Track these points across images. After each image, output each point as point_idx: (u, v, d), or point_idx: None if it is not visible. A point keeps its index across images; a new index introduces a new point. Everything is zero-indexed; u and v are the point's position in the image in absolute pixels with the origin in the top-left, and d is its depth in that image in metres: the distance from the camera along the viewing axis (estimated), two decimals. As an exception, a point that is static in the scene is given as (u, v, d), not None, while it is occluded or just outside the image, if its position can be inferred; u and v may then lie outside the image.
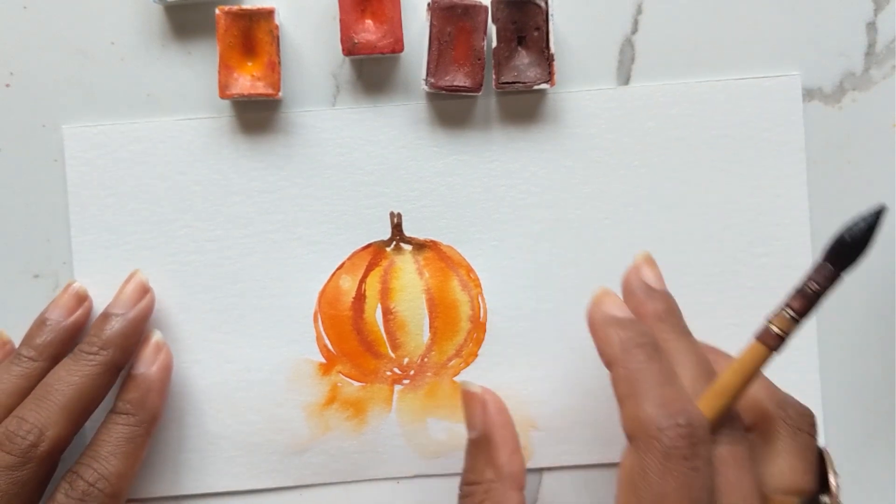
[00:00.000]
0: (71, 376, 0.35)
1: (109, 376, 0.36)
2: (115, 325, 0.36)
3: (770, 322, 0.30)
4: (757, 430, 0.32)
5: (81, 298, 0.38)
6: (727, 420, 0.30)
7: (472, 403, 0.36)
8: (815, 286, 0.30)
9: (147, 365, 0.37)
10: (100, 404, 0.36)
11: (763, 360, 0.30)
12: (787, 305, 0.30)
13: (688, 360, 0.32)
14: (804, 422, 0.31)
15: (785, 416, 0.31)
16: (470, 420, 0.36)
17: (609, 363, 0.32)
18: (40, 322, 0.37)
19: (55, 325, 0.37)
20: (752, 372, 0.30)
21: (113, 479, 0.35)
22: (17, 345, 0.38)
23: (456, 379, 0.38)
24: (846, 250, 0.29)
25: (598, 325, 0.33)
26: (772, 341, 0.30)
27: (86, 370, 0.35)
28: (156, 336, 0.38)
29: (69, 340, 0.37)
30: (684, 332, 0.34)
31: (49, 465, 0.35)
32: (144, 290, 0.38)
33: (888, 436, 0.40)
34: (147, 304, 0.38)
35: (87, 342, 0.36)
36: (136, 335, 0.37)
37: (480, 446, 0.35)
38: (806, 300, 0.30)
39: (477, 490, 0.34)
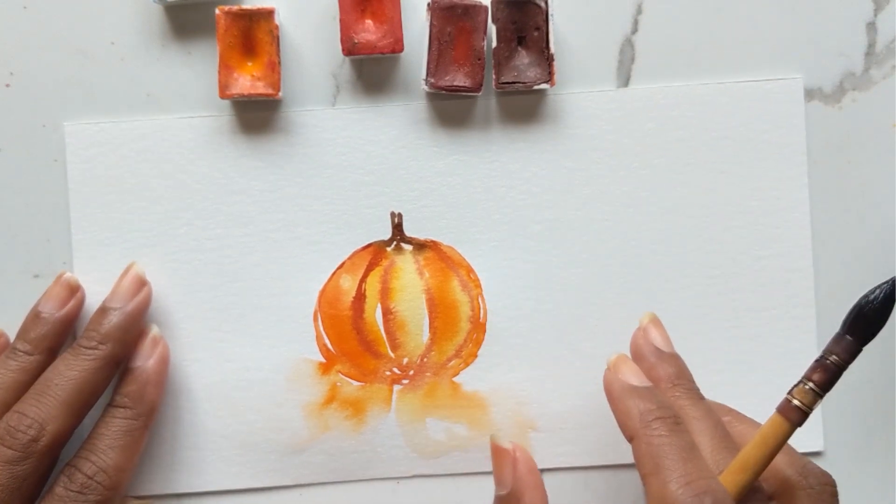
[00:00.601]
0: (70, 371, 0.35)
1: (109, 370, 0.36)
2: (113, 319, 0.36)
3: (791, 395, 0.30)
4: (778, 500, 0.32)
5: (73, 289, 0.38)
6: (750, 493, 0.31)
7: (503, 460, 0.36)
8: (835, 359, 0.30)
9: (144, 358, 0.37)
10: (99, 398, 0.36)
11: (785, 434, 0.30)
12: (808, 378, 0.30)
13: (706, 427, 0.33)
14: (826, 491, 0.32)
15: (807, 484, 0.32)
16: (499, 477, 0.36)
17: (630, 436, 0.33)
18: (34, 315, 0.37)
19: (49, 318, 0.37)
20: (775, 446, 0.30)
21: (111, 471, 0.35)
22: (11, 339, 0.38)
23: (491, 437, 0.37)
24: (865, 323, 0.29)
25: (617, 396, 0.34)
26: (794, 415, 0.30)
27: (85, 364, 0.35)
28: (153, 330, 0.38)
29: (64, 332, 0.38)
30: (699, 397, 0.35)
31: (50, 459, 0.35)
32: (141, 283, 0.38)
33: (888, 436, 0.40)
34: (144, 297, 0.38)
35: (86, 336, 0.36)
36: (134, 328, 0.37)
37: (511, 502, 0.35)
38: (827, 373, 0.30)
39: None
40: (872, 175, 0.40)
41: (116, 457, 0.35)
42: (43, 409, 0.34)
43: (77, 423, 0.36)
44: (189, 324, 0.40)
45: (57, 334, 0.37)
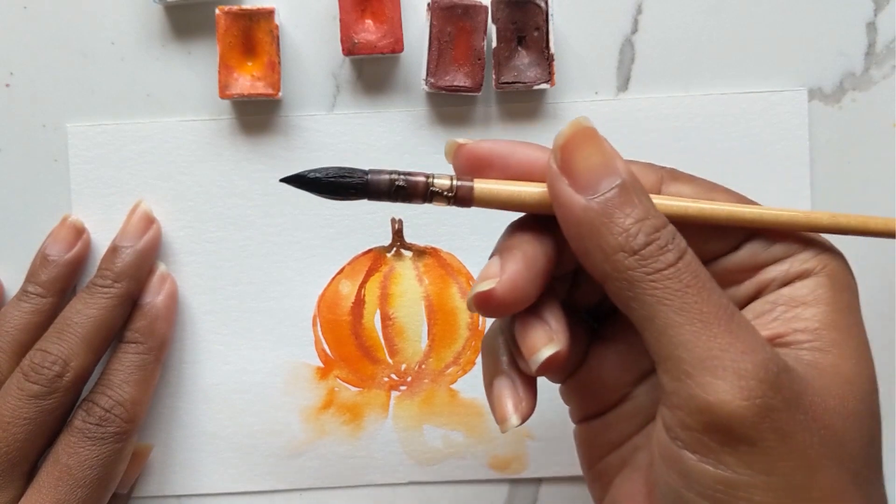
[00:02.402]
0: (88, 309, 0.36)
1: (124, 307, 0.37)
2: (125, 258, 0.37)
3: None
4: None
5: (79, 231, 0.39)
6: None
7: (604, 146, 0.26)
8: None
9: (153, 294, 0.38)
10: (116, 335, 0.37)
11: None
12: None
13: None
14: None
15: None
16: (605, 167, 0.26)
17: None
18: (42, 258, 0.38)
19: (58, 260, 0.38)
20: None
21: (128, 405, 0.36)
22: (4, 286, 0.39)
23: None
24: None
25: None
26: None
27: (101, 302, 0.36)
28: (160, 268, 0.38)
29: (73, 274, 0.38)
30: None
31: (73, 394, 0.36)
32: (150, 221, 0.39)
33: (888, 436, 0.39)
34: (154, 234, 0.38)
35: (100, 275, 0.37)
36: (146, 265, 0.38)
37: (632, 191, 0.26)
38: None
39: (670, 227, 0.26)
40: (872, 175, 0.39)
41: (132, 390, 0.36)
42: (65, 347, 0.35)
43: (97, 360, 0.37)
44: (188, 326, 0.39)
45: (67, 276, 0.38)
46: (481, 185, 0.27)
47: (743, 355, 0.23)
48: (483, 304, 0.26)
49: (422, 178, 0.27)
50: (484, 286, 0.26)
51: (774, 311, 0.27)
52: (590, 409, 0.30)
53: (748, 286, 0.28)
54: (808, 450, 0.23)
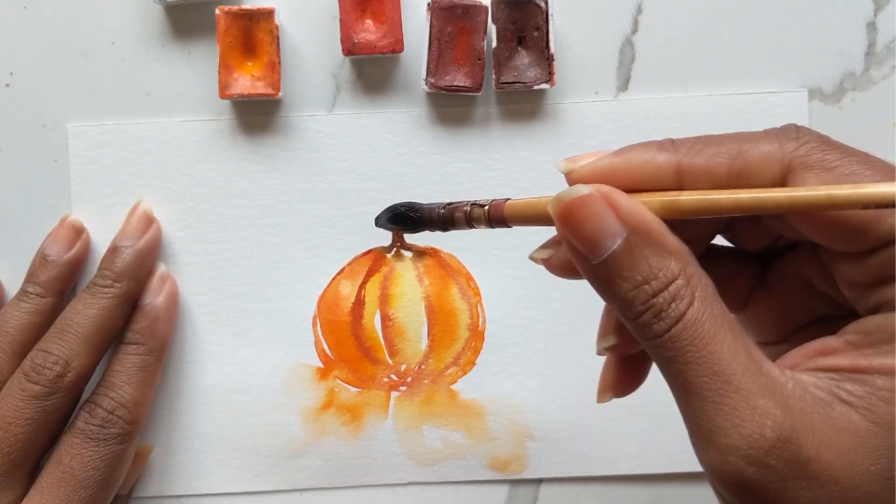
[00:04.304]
0: (89, 309, 0.36)
1: (124, 307, 0.37)
2: (125, 258, 0.37)
3: None
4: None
5: (78, 231, 0.39)
6: None
7: (595, 209, 0.24)
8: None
9: (154, 295, 0.38)
10: (117, 335, 0.37)
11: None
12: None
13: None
14: None
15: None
16: (603, 233, 0.24)
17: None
18: (41, 258, 0.38)
19: (57, 260, 0.38)
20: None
21: (130, 406, 0.36)
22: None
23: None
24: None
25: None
26: None
27: (102, 302, 0.36)
28: (160, 268, 0.38)
29: (72, 274, 0.38)
30: None
31: (74, 395, 0.36)
32: (150, 221, 0.39)
33: None
34: (154, 234, 0.38)
35: (100, 275, 0.37)
36: (146, 265, 0.38)
37: (637, 249, 0.24)
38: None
39: (675, 285, 0.24)
40: None
41: (134, 391, 0.36)
42: (66, 347, 0.35)
43: (98, 360, 0.37)
44: (188, 326, 0.39)
45: (66, 277, 0.38)
46: (511, 204, 0.27)
47: (733, 428, 0.23)
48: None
49: (463, 207, 0.28)
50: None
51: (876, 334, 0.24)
52: (759, 339, 0.29)
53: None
54: None
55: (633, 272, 0.24)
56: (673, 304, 0.23)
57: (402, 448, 0.39)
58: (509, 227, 0.27)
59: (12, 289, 0.39)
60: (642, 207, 0.24)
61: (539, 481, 0.39)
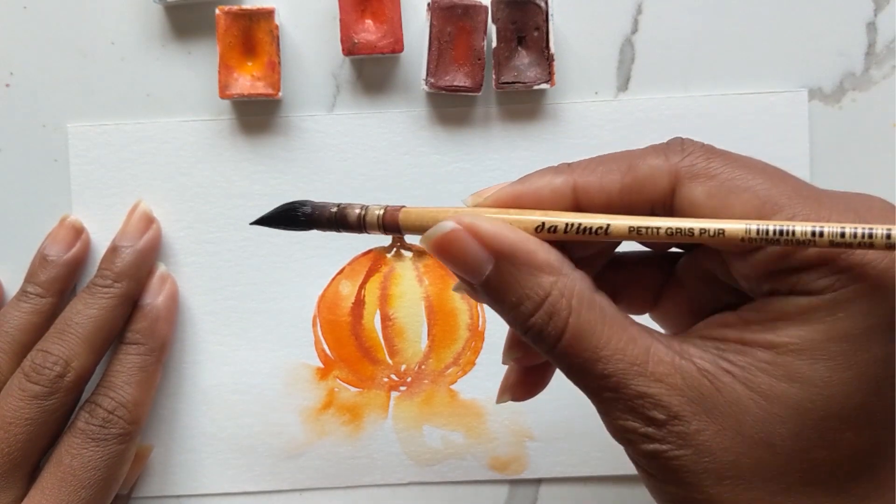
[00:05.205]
0: (88, 309, 0.36)
1: (125, 307, 0.37)
2: (125, 258, 0.37)
3: None
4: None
5: (78, 231, 0.39)
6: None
7: (461, 242, 0.25)
8: None
9: (154, 295, 0.38)
10: (117, 335, 0.37)
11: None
12: None
13: None
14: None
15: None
16: (473, 262, 0.25)
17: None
18: (41, 258, 0.38)
19: (57, 261, 0.38)
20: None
21: (130, 406, 0.36)
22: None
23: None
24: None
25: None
26: None
27: (102, 302, 0.36)
28: (160, 268, 0.38)
29: (72, 274, 0.38)
30: None
31: (75, 395, 0.36)
32: (150, 220, 0.39)
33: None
34: (154, 234, 0.38)
35: (100, 276, 0.37)
36: (146, 265, 0.38)
37: (506, 272, 0.25)
38: None
39: (548, 302, 0.25)
40: (872, 175, 0.39)
41: (134, 392, 0.36)
42: (66, 347, 0.35)
43: (98, 360, 0.37)
44: (188, 326, 0.39)
45: (66, 277, 0.38)
46: (406, 212, 0.27)
47: (628, 420, 0.25)
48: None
49: (356, 210, 0.27)
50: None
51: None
52: (672, 331, 0.31)
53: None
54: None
55: (507, 295, 0.25)
56: (551, 322, 0.25)
57: (402, 448, 0.39)
58: (402, 234, 0.28)
59: (12, 289, 0.39)
60: (509, 230, 0.25)
61: (539, 481, 0.40)
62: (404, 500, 0.40)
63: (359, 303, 0.39)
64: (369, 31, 0.38)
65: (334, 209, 0.27)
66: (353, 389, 0.39)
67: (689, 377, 0.25)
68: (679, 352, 0.25)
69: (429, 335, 0.39)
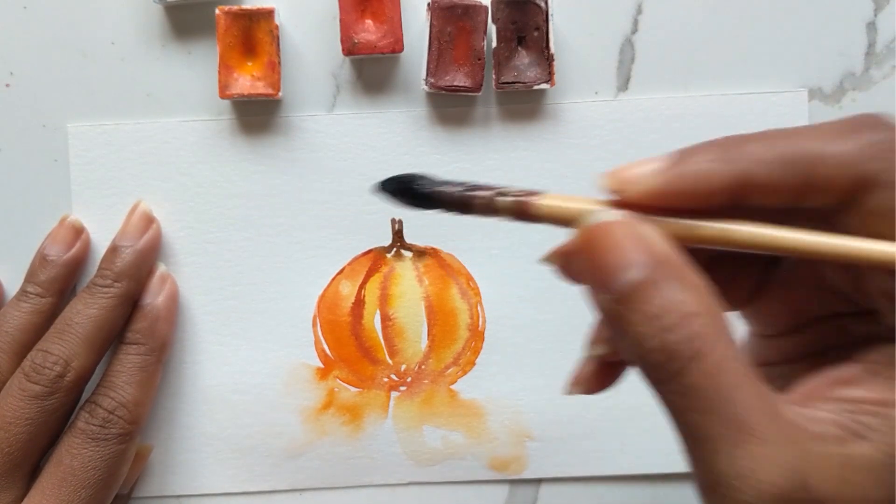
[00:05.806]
0: (88, 309, 0.36)
1: (125, 307, 0.37)
2: (126, 257, 0.37)
3: None
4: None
5: (78, 231, 0.39)
6: None
7: (620, 238, 0.23)
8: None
9: (154, 295, 0.38)
10: (118, 335, 0.37)
11: None
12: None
13: None
14: None
15: None
16: (624, 260, 0.22)
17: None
18: (41, 258, 0.38)
19: (57, 261, 0.38)
20: None
21: (131, 406, 0.36)
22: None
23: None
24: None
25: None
26: None
27: (102, 302, 0.36)
28: (161, 268, 0.38)
29: (72, 274, 0.38)
30: None
31: (75, 395, 0.36)
32: (150, 220, 0.39)
33: None
34: (154, 234, 0.38)
35: (100, 275, 0.37)
36: (146, 265, 0.38)
37: (656, 278, 0.22)
38: None
39: (690, 327, 0.22)
40: None
41: (134, 392, 0.36)
42: (66, 347, 0.35)
43: (98, 360, 0.37)
44: (188, 326, 0.39)
45: (66, 277, 0.38)
46: (541, 202, 0.24)
47: (746, 478, 0.21)
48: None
49: (487, 193, 0.24)
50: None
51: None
52: (762, 332, 0.28)
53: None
54: None
55: (648, 305, 0.22)
56: (688, 344, 0.22)
57: (402, 448, 0.39)
58: (537, 223, 0.25)
59: (12, 289, 0.39)
60: (663, 237, 0.22)
61: (539, 481, 0.40)
62: (404, 500, 0.40)
63: (359, 303, 0.39)
64: (369, 31, 0.38)
65: (460, 193, 0.24)
66: (353, 389, 0.39)
67: (820, 441, 0.22)
68: (808, 416, 0.22)
69: (429, 335, 0.39)
